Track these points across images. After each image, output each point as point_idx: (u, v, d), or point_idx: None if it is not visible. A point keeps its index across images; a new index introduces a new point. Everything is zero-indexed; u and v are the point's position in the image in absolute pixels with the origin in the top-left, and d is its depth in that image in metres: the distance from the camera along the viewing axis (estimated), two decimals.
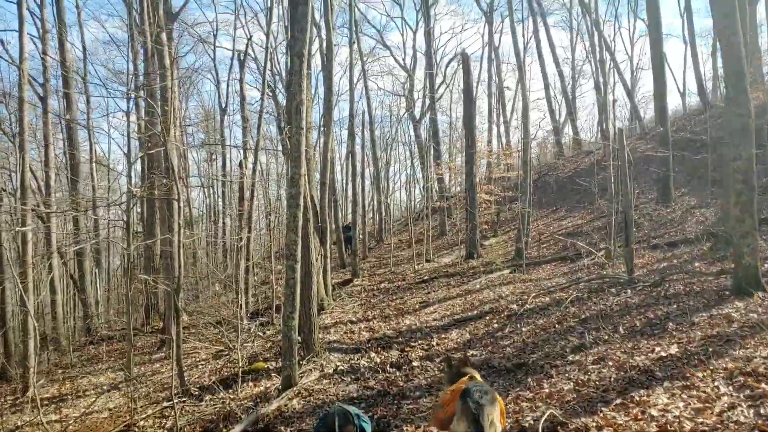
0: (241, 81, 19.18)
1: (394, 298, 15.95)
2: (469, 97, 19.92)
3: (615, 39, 29.71)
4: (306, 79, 7.81)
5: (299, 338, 9.90)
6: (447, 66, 36.14)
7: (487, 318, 10.82)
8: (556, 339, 8.30)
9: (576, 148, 31.89)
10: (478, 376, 4.89)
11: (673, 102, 46.48)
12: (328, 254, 14.96)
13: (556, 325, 8.93)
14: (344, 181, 37.30)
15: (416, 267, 21.10)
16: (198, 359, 14.14)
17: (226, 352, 12.74)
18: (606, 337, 7.73)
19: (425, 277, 18.92)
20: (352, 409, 4.83)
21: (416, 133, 33.45)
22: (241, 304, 17.45)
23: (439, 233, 27.42)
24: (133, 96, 13.33)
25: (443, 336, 10.45)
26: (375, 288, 18.55)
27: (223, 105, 29.77)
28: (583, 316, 8.95)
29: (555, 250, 19.46)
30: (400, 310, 13.88)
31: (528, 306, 10.51)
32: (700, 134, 22.91)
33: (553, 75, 33.43)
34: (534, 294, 11.10)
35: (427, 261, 21.89)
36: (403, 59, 36.04)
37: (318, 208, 14.55)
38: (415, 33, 35.24)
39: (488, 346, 9.20)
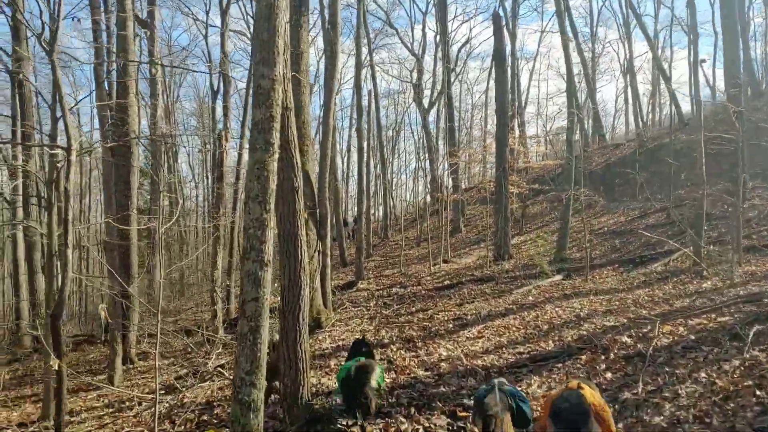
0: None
1: (414, 310, 11.44)
2: (501, 64, 15.45)
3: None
4: None
5: (279, 389, 5.53)
6: (458, 53, 31.65)
7: (584, 357, 6.29)
8: None
9: (601, 141, 27.47)
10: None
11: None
12: (329, 252, 10.47)
13: (757, 392, 4.45)
14: (344, 175, 32.90)
15: (432, 269, 16.61)
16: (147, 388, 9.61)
17: (181, 386, 8.23)
18: None
19: (446, 282, 14.43)
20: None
21: (425, 123, 28.96)
22: (216, 311, 12.97)
23: (453, 230, 22.88)
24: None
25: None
26: (385, 294, 14.04)
27: (216, 87, 25.20)
28: None
29: (602, 251, 15.02)
30: (426, 329, 9.38)
31: (658, 341, 6.00)
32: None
33: (578, 65, 28.93)
34: (659, 321, 6.53)
35: (445, 262, 17.40)
36: (411, 44, 31.49)
37: (316, 188, 10.11)
38: (424, 15, 30.71)
39: (617, 421, 4.72)
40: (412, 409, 5.70)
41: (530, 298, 10.33)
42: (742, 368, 4.90)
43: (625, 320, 7.24)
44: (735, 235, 9.35)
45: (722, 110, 16.95)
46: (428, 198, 30.71)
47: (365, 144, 19.26)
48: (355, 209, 20.26)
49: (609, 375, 5.62)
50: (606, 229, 17.27)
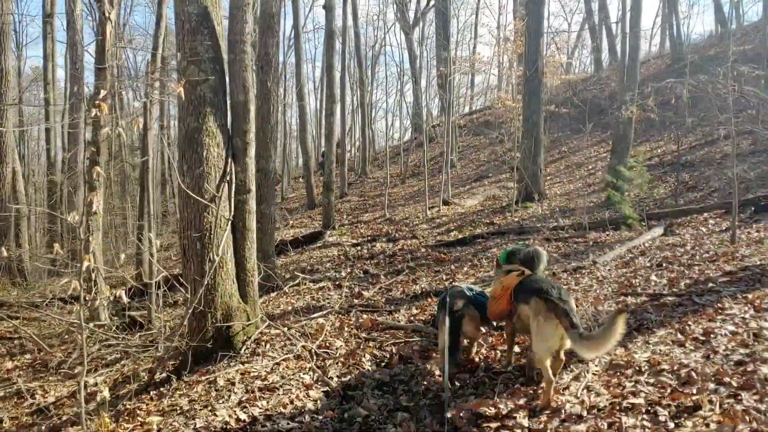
0: None
1: (418, 290, 6.07)
2: None
3: None
4: None
5: None
6: None
7: None
8: None
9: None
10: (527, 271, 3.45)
11: None
12: (251, 182, 4.85)
13: None
14: (318, 110, 26.66)
15: (429, 212, 11.24)
16: None
17: None
18: None
19: (454, 232, 9.10)
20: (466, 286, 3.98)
21: (409, 45, 22.95)
22: (91, 287, 7.33)
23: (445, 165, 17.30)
24: None
25: None
26: (365, 252, 8.62)
27: None
28: None
29: (668, 190, 9.77)
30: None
31: None
32: None
33: None
34: None
35: (445, 204, 12.01)
36: None
37: (224, 45, 4.48)
38: None
39: None
40: None
41: (641, 272, 4.98)
42: None
43: None
44: None
45: None
46: (408, 133, 25.03)
47: (337, 72, 13.31)
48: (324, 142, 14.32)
49: None
50: (658, 160, 11.98)
